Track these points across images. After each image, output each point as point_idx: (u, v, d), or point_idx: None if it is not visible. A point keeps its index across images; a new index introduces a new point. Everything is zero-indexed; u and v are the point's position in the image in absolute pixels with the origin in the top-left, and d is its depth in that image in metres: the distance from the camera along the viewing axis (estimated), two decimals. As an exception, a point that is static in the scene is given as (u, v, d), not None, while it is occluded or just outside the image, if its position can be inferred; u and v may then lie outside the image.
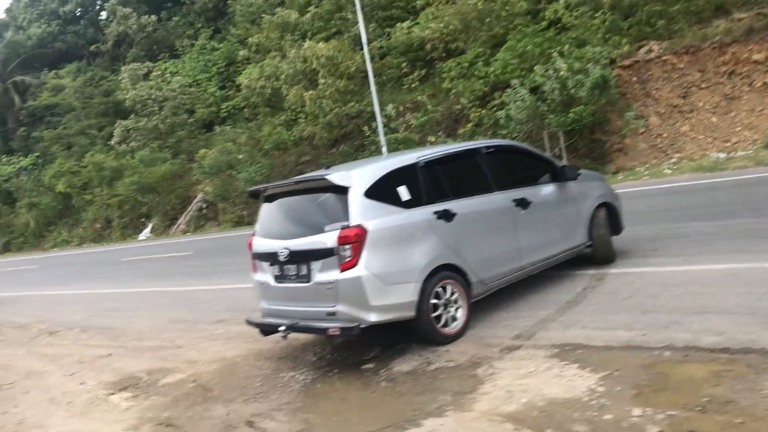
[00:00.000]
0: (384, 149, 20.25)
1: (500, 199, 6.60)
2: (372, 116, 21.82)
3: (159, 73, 33.99)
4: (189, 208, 30.22)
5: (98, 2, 45.67)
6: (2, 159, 42.96)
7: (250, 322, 6.60)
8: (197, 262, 16.55)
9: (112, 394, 6.41)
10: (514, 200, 6.67)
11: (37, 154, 42.07)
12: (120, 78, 35.62)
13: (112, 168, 33.58)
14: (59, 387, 7.02)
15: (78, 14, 45.60)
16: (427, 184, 6.13)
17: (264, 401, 5.39)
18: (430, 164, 6.29)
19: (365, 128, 23.03)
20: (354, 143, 24.06)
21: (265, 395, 5.53)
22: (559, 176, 7.29)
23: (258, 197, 6.80)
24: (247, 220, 25.18)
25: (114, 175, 33.54)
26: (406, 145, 20.49)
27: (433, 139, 20.89)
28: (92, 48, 41.96)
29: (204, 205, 29.46)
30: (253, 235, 6.66)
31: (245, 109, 30.07)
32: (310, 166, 23.13)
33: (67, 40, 44.40)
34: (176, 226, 30.09)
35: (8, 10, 50.82)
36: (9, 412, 6.45)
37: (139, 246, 26.87)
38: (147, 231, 31.24)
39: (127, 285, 14.67)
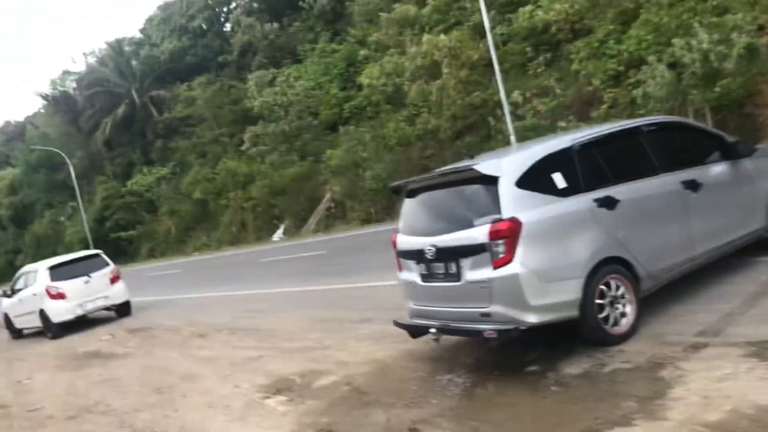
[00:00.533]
0: (512, 137, 19.62)
1: (667, 181, 5.97)
2: (497, 105, 21.20)
3: (283, 78, 34.90)
4: (318, 208, 30.84)
5: (223, 15, 47.77)
6: (143, 170, 45.87)
7: (398, 324, 6.35)
8: (332, 261, 16.70)
9: (268, 397, 6.39)
10: (683, 182, 6.02)
11: (174, 163, 44.62)
12: (247, 86, 36.99)
13: (244, 173, 34.99)
14: (215, 390, 7.11)
15: (205, 28, 47.87)
16: (585, 169, 5.62)
17: (425, 406, 5.12)
18: (587, 147, 5.77)
19: (490, 118, 22.44)
20: (479, 134, 23.51)
21: (425, 400, 5.26)
22: (731, 153, 6.54)
23: (400, 193, 6.55)
24: (375, 217, 25.31)
25: (246, 180, 34.93)
26: (535, 132, 19.69)
27: (563, 124, 19.96)
28: (220, 59, 43.86)
29: (332, 205, 29.94)
30: (397, 232, 6.43)
31: (367, 108, 30.28)
32: (434, 161, 22.80)
33: (196, 53, 46.69)
34: (306, 226, 30.80)
35: (142, 30, 54.33)
36: (170, 416, 6.58)
37: (274, 247, 27.66)
38: (280, 232, 32.20)
39: (268, 285, 14.92)
